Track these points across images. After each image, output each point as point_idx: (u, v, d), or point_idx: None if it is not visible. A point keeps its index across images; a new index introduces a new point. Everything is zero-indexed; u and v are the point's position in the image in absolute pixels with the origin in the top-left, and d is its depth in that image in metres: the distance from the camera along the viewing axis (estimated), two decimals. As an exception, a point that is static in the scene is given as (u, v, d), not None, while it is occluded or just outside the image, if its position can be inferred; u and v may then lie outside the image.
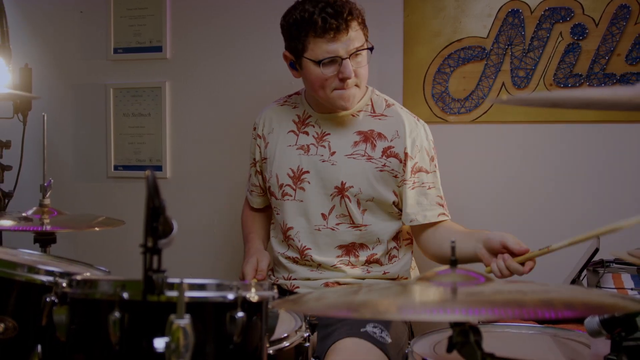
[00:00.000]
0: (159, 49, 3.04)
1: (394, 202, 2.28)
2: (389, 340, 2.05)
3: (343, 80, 2.16)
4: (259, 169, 2.46)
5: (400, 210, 2.30)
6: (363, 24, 2.20)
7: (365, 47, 2.20)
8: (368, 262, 2.28)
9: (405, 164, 2.24)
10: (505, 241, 1.92)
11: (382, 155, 2.25)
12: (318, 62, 2.15)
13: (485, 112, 2.64)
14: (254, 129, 2.47)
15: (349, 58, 2.14)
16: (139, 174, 3.08)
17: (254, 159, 2.47)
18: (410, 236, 2.37)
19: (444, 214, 2.28)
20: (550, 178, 2.61)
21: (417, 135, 2.28)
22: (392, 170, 2.25)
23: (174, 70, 3.05)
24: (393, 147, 2.25)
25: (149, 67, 3.07)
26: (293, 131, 2.35)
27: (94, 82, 3.14)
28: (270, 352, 1.56)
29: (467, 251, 2.04)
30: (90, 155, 3.18)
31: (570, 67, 2.56)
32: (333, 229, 2.28)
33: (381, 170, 2.25)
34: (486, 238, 1.98)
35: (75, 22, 3.17)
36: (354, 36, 2.15)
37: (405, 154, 2.24)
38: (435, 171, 2.32)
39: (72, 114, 3.21)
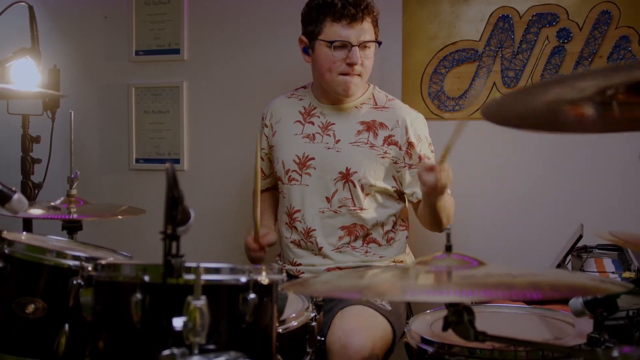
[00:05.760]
0: (177, 51, 3.03)
1: (393, 187, 2.30)
2: (389, 308, 2.10)
3: (350, 65, 2.19)
4: (263, 156, 2.46)
5: (399, 196, 2.32)
6: (375, 22, 2.24)
7: (375, 41, 2.23)
8: (366, 243, 2.29)
9: (409, 151, 2.26)
10: (422, 169, 2.03)
11: (383, 143, 2.27)
12: (330, 44, 2.18)
13: (478, 109, 2.63)
14: (262, 118, 2.49)
15: (359, 47, 2.17)
16: (158, 167, 3.08)
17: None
18: (406, 222, 2.38)
19: None
20: (538, 169, 2.60)
21: (418, 126, 2.31)
22: (393, 157, 2.27)
23: (191, 70, 3.04)
24: (393, 136, 2.27)
25: (168, 68, 3.06)
26: (299, 121, 2.36)
27: (117, 82, 3.14)
28: (280, 331, 1.56)
29: (425, 206, 2.19)
30: (114, 149, 3.18)
31: (556, 68, 2.54)
32: (336, 212, 2.28)
33: (383, 157, 2.27)
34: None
35: (99, 26, 3.17)
36: (367, 28, 2.20)
37: (410, 143, 2.26)
38: (432, 157, 2.33)
39: (96, 111, 3.20)
